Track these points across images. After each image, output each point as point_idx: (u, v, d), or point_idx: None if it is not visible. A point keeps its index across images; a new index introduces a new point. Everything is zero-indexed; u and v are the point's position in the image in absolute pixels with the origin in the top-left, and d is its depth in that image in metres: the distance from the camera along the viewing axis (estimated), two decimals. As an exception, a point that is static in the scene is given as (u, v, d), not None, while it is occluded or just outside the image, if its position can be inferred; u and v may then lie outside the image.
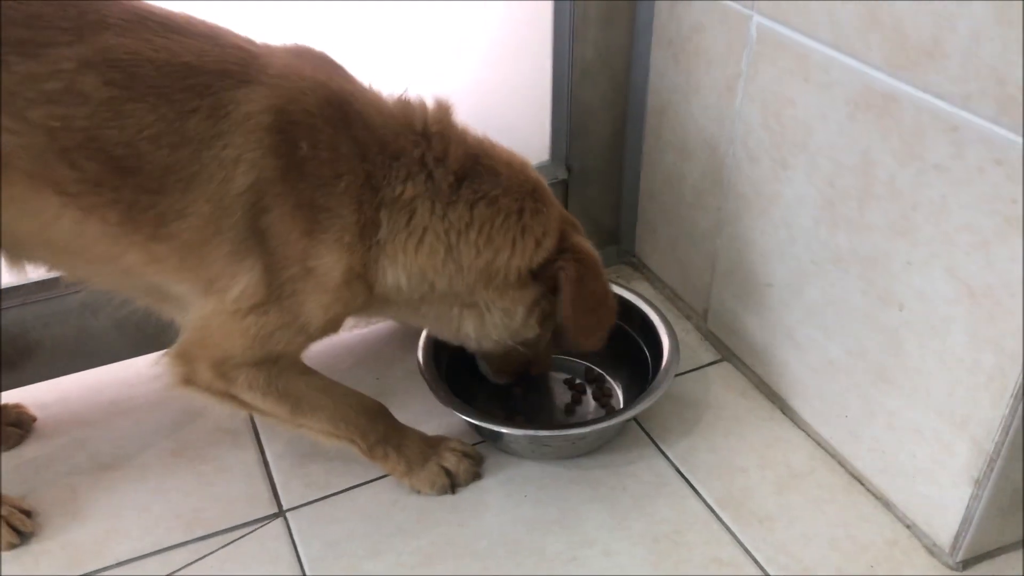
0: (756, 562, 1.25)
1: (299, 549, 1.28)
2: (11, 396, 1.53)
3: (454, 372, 1.49)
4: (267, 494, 1.37)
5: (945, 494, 1.21)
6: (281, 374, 1.24)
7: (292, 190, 1.12)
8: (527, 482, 1.38)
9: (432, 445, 1.37)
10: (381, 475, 1.39)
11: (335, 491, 1.37)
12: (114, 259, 1.15)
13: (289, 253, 1.14)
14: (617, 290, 1.56)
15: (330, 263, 1.15)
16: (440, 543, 1.28)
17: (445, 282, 1.23)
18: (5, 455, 1.43)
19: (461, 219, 1.20)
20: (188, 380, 1.23)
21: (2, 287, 1.45)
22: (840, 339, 1.32)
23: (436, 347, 1.48)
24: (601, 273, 1.32)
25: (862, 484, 1.36)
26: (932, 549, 1.26)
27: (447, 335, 1.38)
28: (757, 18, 1.32)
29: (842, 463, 1.39)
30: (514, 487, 1.37)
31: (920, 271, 1.15)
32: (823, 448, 1.42)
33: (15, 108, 1.04)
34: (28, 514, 1.31)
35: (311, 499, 1.36)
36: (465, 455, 1.38)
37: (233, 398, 1.24)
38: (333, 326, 1.25)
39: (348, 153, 1.14)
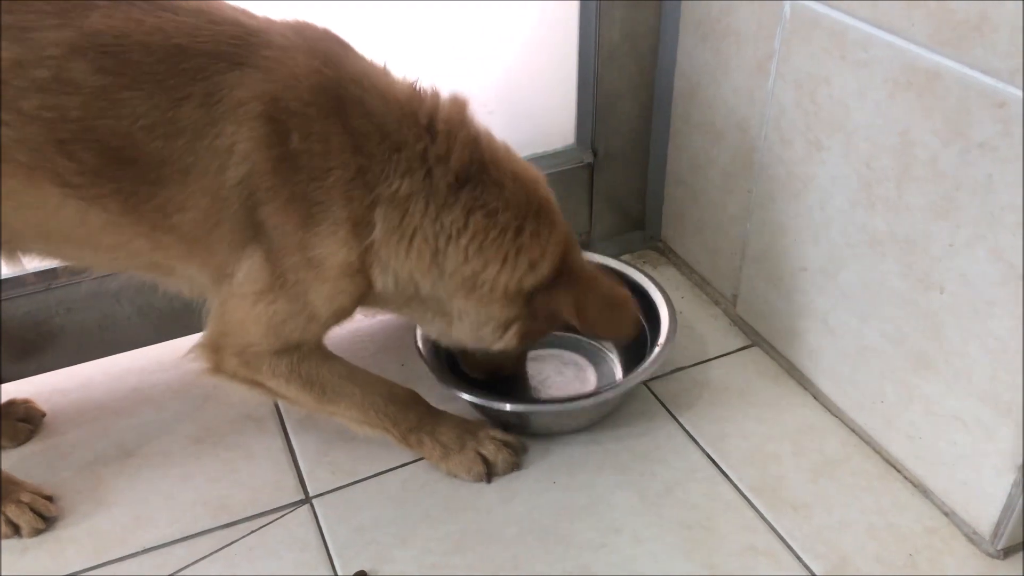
0: (792, 550, 1.23)
1: (326, 536, 1.27)
2: (33, 383, 1.52)
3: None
4: (293, 481, 1.36)
5: (986, 481, 1.19)
6: (303, 361, 1.24)
7: (286, 183, 1.09)
8: (555, 469, 1.36)
9: (471, 431, 1.35)
10: (407, 461, 1.37)
11: (361, 477, 1.35)
12: (120, 246, 1.14)
13: (287, 243, 1.12)
14: (615, 264, 1.59)
15: (326, 255, 1.13)
16: (469, 530, 1.27)
17: (428, 286, 1.21)
18: (28, 444, 1.42)
19: (454, 224, 1.15)
20: (217, 369, 1.24)
21: (26, 274, 1.44)
22: (876, 324, 1.30)
23: None
24: (599, 285, 1.30)
25: (898, 471, 1.33)
26: (972, 537, 1.23)
27: (431, 334, 1.38)
28: (792, -5, 1.29)
29: (877, 450, 1.36)
30: (542, 474, 1.36)
31: (963, 253, 1.12)
32: (857, 435, 1.39)
33: (7, 97, 1.01)
34: (50, 499, 1.30)
35: (337, 485, 1.34)
36: (505, 444, 1.35)
37: (260, 385, 1.25)
38: (342, 315, 1.24)
39: (340, 145, 1.09)
